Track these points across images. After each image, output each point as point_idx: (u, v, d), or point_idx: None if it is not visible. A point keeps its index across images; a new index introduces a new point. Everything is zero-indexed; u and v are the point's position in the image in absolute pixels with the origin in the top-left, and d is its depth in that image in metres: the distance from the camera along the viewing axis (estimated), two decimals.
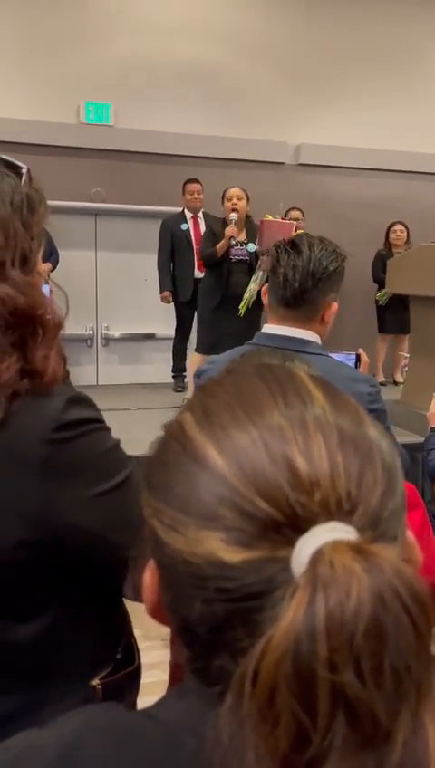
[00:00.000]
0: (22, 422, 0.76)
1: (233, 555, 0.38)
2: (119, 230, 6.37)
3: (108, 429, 0.86)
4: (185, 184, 5.62)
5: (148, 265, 5.78)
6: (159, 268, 5.66)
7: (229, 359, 1.47)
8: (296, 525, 0.38)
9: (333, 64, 6.64)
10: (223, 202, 4.77)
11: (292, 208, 5.91)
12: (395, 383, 5.98)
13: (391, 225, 6.21)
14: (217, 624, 0.39)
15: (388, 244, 6.21)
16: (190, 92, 6.28)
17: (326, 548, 0.36)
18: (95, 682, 0.88)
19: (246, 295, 4.65)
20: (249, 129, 6.44)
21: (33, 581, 0.80)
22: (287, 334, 1.56)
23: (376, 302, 6.09)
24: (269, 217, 4.73)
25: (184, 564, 0.40)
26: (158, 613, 0.47)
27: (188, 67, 6.25)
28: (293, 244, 1.56)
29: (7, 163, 0.85)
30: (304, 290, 1.53)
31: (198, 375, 1.68)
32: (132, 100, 6.17)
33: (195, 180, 5.59)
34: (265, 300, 1.65)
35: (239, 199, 4.66)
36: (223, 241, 4.60)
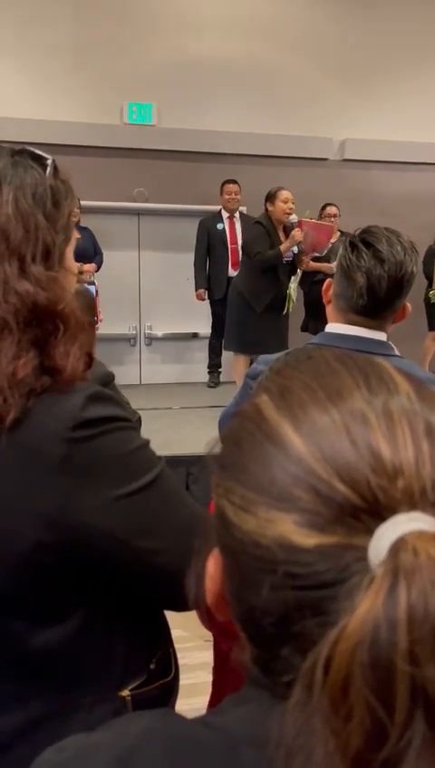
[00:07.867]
0: (39, 420, 0.73)
1: (306, 539, 0.36)
2: (162, 230, 6.39)
3: (133, 428, 0.81)
4: (223, 185, 5.69)
5: (191, 265, 5.81)
6: (195, 266, 5.74)
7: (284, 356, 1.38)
8: (376, 512, 0.35)
9: (376, 58, 6.52)
10: (272, 201, 4.80)
11: (328, 204, 5.81)
12: None
13: None
14: (286, 613, 0.37)
15: None
16: (233, 90, 6.26)
17: (409, 537, 0.33)
18: (125, 693, 0.84)
19: (292, 294, 4.85)
20: (293, 126, 6.38)
21: (55, 585, 0.77)
22: (361, 335, 1.42)
23: (427, 299, 5.95)
24: (310, 218, 4.86)
25: (253, 547, 0.38)
26: (219, 604, 0.45)
27: (231, 65, 6.23)
28: (368, 244, 1.38)
29: (32, 155, 0.82)
30: (391, 300, 1.39)
31: (252, 377, 1.55)
32: (174, 99, 6.18)
33: (233, 181, 5.66)
34: (327, 296, 1.49)
35: (293, 202, 4.77)
36: (287, 242, 4.69)
